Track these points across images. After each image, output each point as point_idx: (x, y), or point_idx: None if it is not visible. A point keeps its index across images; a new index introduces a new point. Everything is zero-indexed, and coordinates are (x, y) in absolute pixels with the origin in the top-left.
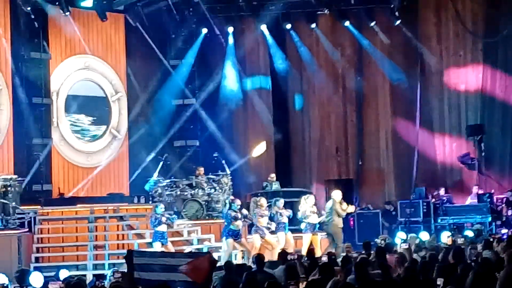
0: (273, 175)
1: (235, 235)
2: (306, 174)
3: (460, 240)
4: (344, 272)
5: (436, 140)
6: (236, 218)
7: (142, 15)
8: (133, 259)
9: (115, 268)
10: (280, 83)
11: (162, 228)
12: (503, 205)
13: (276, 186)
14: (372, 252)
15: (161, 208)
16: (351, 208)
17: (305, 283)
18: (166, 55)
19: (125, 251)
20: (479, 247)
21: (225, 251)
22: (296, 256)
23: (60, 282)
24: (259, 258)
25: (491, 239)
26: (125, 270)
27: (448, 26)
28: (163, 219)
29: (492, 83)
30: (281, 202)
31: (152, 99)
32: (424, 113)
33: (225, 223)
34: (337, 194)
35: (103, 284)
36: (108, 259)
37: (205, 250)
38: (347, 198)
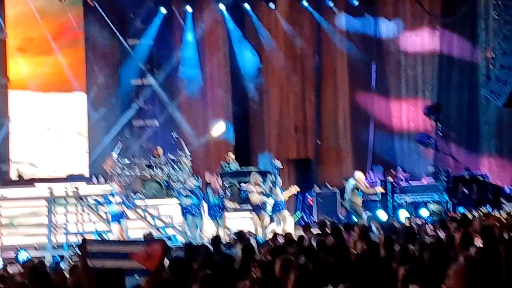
0: (231, 154)
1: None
2: (265, 153)
3: (418, 221)
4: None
5: (393, 119)
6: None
7: None
8: (87, 247)
9: (74, 249)
10: (239, 63)
11: (113, 208)
12: (460, 183)
13: (234, 166)
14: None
15: (114, 187)
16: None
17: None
18: (125, 35)
19: (84, 231)
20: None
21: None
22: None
23: (19, 265)
24: (216, 239)
25: (447, 219)
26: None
27: (406, 6)
28: (114, 199)
29: (448, 64)
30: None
31: (111, 79)
32: (382, 92)
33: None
34: (360, 175)
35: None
36: (68, 240)
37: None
38: (305, 178)
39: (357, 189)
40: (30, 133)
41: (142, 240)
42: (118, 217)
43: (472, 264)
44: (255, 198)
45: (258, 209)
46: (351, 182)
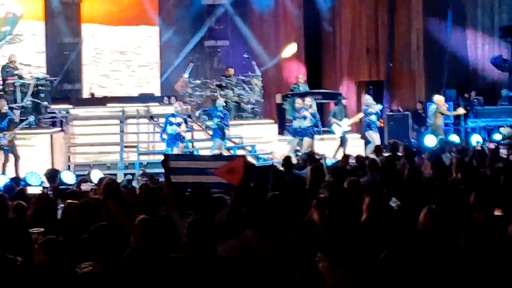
0: (302, 76)
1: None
2: (336, 75)
3: (491, 145)
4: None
5: (468, 42)
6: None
7: None
8: (169, 163)
9: (142, 169)
10: None
11: (171, 129)
12: None
13: (305, 87)
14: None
15: (177, 107)
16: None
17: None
18: None
19: (155, 150)
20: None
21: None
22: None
23: (92, 184)
24: (286, 160)
25: None
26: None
27: None
28: (176, 120)
29: None
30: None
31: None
32: (456, 15)
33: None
34: (440, 98)
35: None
36: (139, 159)
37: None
38: (377, 100)
39: (440, 112)
40: (102, 54)
41: (223, 155)
42: (174, 140)
43: None
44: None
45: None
46: (433, 106)
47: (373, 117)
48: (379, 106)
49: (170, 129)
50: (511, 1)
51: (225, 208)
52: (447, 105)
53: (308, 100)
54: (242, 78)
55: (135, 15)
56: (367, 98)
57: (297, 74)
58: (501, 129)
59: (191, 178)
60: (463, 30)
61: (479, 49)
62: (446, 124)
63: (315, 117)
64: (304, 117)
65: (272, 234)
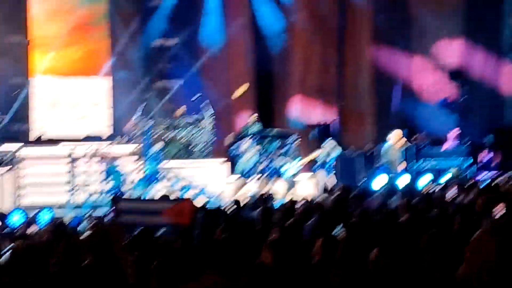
0: (255, 115)
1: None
2: (288, 116)
3: (440, 186)
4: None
5: (418, 82)
6: None
7: None
8: (118, 204)
9: (93, 210)
10: (263, 24)
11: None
12: (484, 148)
13: (258, 127)
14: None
15: (158, 146)
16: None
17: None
18: None
19: (105, 190)
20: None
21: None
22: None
23: (38, 226)
24: (237, 202)
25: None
26: (101, 215)
27: None
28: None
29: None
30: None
31: (134, 38)
32: (406, 55)
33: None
34: (396, 134)
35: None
36: (89, 200)
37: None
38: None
39: (394, 149)
40: (51, 93)
41: (171, 198)
42: (152, 179)
43: (495, 230)
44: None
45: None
46: (388, 143)
47: (330, 160)
48: (339, 150)
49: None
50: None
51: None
52: (404, 140)
53: (249, 141)
54: (193, 118)
55: (86, 66)
56: (332, 142)
57: (249, 113)
58: (450, 170)
59: (140, 218)
60: (413, 71)
61: (429, 90)
62: None
63: (266, 158)
64: (249, 158)
65: (230, 277)
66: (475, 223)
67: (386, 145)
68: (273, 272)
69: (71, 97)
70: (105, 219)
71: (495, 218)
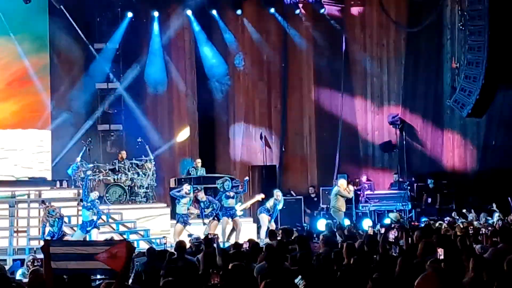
0: (199, 160)
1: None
2: (230, 159)
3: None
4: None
5: (359, 128)
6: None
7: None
8: (50, 248)
9: (33, 255)
10: (205, 69)
11: (87, 214)
12: (423, 193)
13: (201, 172)
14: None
15: (94, 195)
16: (352, 193)
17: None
18: (90, 39)
19: (46, 235)
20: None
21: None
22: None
23: None
24: (180, 245)
25: (409, 227)
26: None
27: (372, 15)
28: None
29: (413, 73)
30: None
31: (76, 82)
32: (347, 102)
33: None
34: (342, 181)
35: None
36: (29, 244)
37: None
38: (270, 185)
39: (340, 195)
40: None
41: (106, 240)
42: (89, 226)
43: (438, 273)
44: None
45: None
46: (335, 188)
47: (276, 209)
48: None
49: (86, 214)
50: (398, 89)
51: None
52: (350, 189)
53: (188, 186)
54: (136, 162)
55: (25, 118)
56: (279, 194)
57: (192, 157)
58: (390, 214)
59: (72, 264)
60: (354, 117)
61: (369, 135)
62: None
63: (211, 202)
64: (184, 203)
65: None
66: (416, 266)
67: (334, 190)
68: None
69: (9, 145)
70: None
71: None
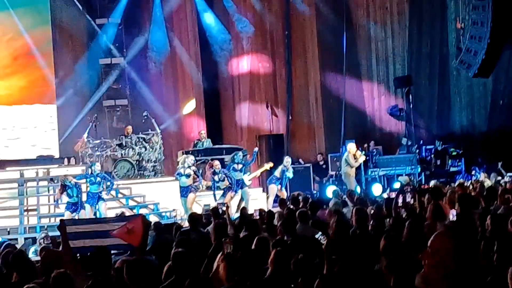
0: (204, 132)
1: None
2: (237, 130)
3: (391, 194)
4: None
5: (365, 93)
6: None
7: None
8: (66, 228)
9: (45, 232)
10: (209, 39)
11: (94, 188)
12: (432, 155)
13: (207, 143)
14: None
15: (97, 167)
16: (362, 158)
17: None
18: (92, 14)
19: (56, 213)
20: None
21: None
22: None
23: None
24: (192, 216)
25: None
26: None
27: None
28: (98, 179)
29: (417, 36)
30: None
31: (79, 58)
32: (352, 66)
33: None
34: (351, 146)
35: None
36: (40, 222)
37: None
38: (278, 153)
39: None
40: None
41: (121, 216)
42: (96, 199)
43: (451, 229)
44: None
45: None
46: (346, 154)
47: (286, 177)
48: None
49: (93, 188)
50: (403, 52)
51: None
52: (357, 155)
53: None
54: (142, 136)
55: (31, 94)
56: (288, 160)
57: (198, 130)
58: (400, 178)
59: (89, 241)
60: (359, 81)
61: (376, 100)
62: None
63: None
64: (187, 175)
65: None
66: (426, 228)
67: (344, 155)
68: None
69: (17, 123)
70: (58, 241)
71: (449, 221)
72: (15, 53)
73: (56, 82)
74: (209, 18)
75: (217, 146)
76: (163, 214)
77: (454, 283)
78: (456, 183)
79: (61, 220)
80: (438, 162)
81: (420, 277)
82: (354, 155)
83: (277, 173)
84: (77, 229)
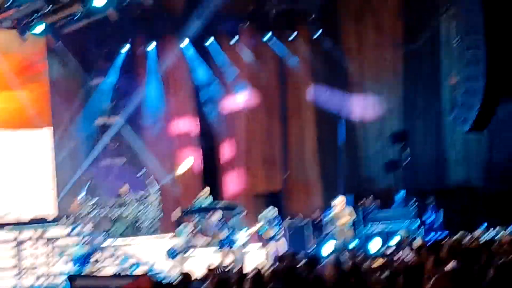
0: (207, 189)
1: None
2: (235, 187)
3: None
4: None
5: (361, 146)
6: None
7: (61, 35)
8: (75, 282)
9: None
10: (205, 97)
11: (79, 250)
12: (429, 209)
13: (209, 200)
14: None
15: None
16: (345, 219)
17: None
18: (88, 74)
19: (54, 272)
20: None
21: None
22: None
23: None
24: (185, 275)
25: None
26: None
27: (368, 35)
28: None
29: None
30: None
31: (76, 118)
32: (348, 121)
33: None
34: (338, 201)
35: None
36: (37, 282)
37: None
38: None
39: (339, 214)
40: None
41: (128, 274)
42: (82, 261)
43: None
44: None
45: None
46: (333, 209)
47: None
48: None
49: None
50: (400, 107)
51: None
52: (345, 213)
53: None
54: (139, 195)
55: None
56: (270, 210)
57: (195, 187)
58: (398, 233)
59: None
60: (354, 137)
61: (373, 152)
62: None
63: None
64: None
65: None
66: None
67: (331, 214)
68: None
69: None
70: None
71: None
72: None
73: (52, 141)
74: (204, 77)
75: (214, 203)
76: (159, 273)
77: None
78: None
79: (70, 275)
80: (434, 215)
81: None
82: (344, 211)
83: (265, 235)
84: (86, 284)
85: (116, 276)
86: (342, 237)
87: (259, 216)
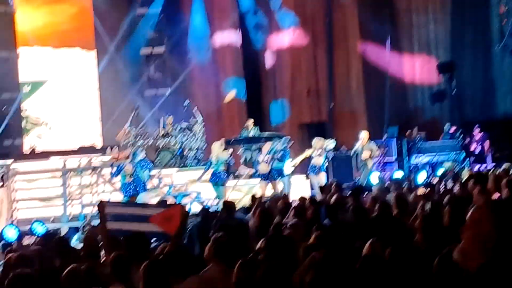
0: (251, 121)
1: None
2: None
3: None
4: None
5: (408, 77)
6: None
7: None
8: (105, 209)
9: (86, 221)
10: (250, 26)
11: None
12: (474, 142)
13: (253, 132)
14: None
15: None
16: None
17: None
18: (133, 3)
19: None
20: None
21: None
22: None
23: (36, 236)
24: (228, 204)
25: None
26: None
27: None
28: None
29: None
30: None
31: (121, 48)
32: (394, 52)
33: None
34: (363, 134)
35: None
36: (83, 211)
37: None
38: None
39: (364, 147)
40: (41, 104)
41: (160, 203)
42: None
43: (492, 202)
44: (262, 167)
45: (266, 177)
46: (358, 143)
47: (325, 157)
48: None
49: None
50: (447, 38)
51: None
52: (369, 147)
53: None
54: (184, 125)
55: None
56: (319, 139)
57: (239, 118)
58: (444, 164)
59: (127, 225)
60: (402, 67)
61: (418, 86)
62: (389, 162)
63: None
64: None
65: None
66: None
67: (355, 147)
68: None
69: (60, 111)
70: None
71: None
72: None
73: (99, 71)
74: (249, 5)
75: (257, 134)
76: (205, 204)
77: (494, 257)
78: (501, 169)
79: (100, 201)
80: (479, 148)
81: (458, 250)
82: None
83: (314, 162)
84: (115, 211)
85: (147, 204)
86: (366, 171)
87: (314, 142)
